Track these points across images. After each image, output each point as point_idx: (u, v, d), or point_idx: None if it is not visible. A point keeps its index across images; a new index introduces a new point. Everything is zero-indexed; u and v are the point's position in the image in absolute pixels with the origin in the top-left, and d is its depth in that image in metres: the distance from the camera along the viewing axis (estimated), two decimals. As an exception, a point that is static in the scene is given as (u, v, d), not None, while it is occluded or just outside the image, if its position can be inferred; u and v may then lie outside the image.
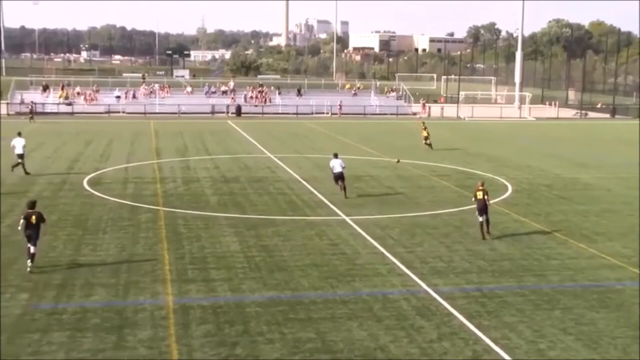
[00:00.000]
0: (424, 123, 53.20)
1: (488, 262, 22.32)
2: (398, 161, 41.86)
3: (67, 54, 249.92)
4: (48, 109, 74.41)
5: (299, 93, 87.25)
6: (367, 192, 33.72)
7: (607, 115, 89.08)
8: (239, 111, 77.99)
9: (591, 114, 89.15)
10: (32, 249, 20.34)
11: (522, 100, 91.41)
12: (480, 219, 25.18)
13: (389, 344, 15.78)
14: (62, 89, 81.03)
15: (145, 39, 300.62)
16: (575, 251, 23.91)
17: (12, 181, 34.51)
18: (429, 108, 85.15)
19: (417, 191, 34.24)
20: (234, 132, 60.37)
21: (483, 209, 25.08)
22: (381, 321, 17.08)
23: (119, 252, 22.58)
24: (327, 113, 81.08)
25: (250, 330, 16.39)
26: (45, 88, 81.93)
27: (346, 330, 16.47)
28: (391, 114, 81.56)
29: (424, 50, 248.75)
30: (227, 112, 78.47)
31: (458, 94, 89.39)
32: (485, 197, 25.03)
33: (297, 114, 79.27)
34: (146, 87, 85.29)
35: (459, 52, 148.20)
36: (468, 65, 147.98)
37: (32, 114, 68.23)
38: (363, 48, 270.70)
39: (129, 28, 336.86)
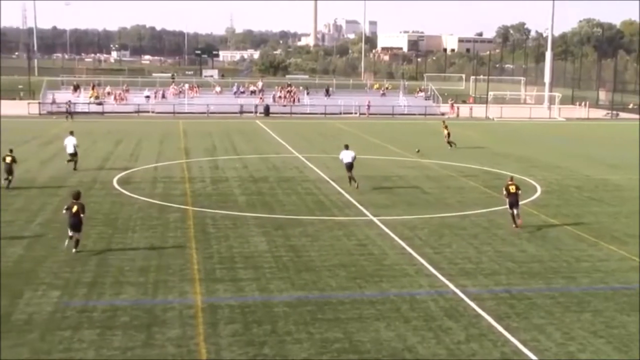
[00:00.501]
0: (444, 122, 53.75)
1: (517, 263, 22.18)
2: (418, 151, 44.14)
3: (98, 54, 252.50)
4: (79, 108, 75.06)
5: (327, 93, 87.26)
6: (395, 192, 33.65)
7: (639, 116, 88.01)
8: (267, 111, 78.22)
9: (622, 115, 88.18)
10: (74, 236, 22.15)
11: (551, 100, 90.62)
12: (511, 211, 26.54)
13: (417, 345, 15.75)
14: (93, 88, 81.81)
15: (174, 39, 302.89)
16: (606, 253, 23.67)
17: (44, 181, 34.93)
18: (458, 108, 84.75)
19: (445, 192, 34.12)
20: (262, 132, 60.54)
21: (515, 202, 26.41)
22: (409, 322, 17.05)
23: (148, 251, 22.76)
24: (355, 113, 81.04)
25: (278, 330, 16.44)
26: (76, 88, 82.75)
27: (374, 331, 16.46)
28: (419, 114, 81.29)
29: (452, 50, 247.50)
30: (256, 112, 78.73)
31: (487, 94, 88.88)
32: (518, 192, 26.50)
33: (325, 114, 79.30)
34: (175, 87, 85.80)
35: (487, 52, 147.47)
36: (497, 65, 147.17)
37: (70, 113, 69.53)
38: (391, 48, 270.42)
39: (158, 28, 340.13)
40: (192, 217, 27.75)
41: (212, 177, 37.11)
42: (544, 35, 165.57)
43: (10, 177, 32.56)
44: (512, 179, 27.41)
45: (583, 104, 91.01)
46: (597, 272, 21.47)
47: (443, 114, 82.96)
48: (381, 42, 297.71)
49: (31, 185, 33.56)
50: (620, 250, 23.93)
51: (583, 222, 28.05)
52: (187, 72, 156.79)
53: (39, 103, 76.63)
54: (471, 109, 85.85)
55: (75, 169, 38.04)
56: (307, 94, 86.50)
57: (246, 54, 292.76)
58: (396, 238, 24.90)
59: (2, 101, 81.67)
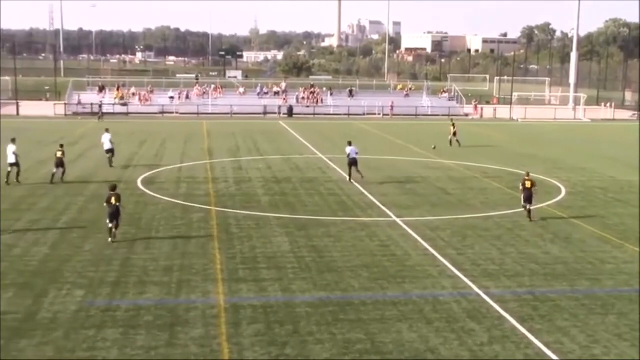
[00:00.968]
0: (452, 119, 54.98)
1: (541, 265, 22.05)
2: (434, 147, 46.03)
3: (123, 55, 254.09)
4: (104, 109, 75.64)
5: (351, 94, 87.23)
6: (418, 193, 33.58)
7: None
8: (290, 112, 78.36)
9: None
10: (111, 225, 23.73)
11: (576, 101, 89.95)
12: (525, 205, 27.94)
13: (439, 347, 15.70)
14: (118, 89, 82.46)
15: (198, 40, 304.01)
16: (631, 255, 23.44)
17: (69, 181, 35.16)
18: (482, 109, 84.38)
19: (468, 193, 33.98)
20: (285, 133, 60.65)
21: (528, 198, 27.84)
22: (431, 323, 17.01)
23: (172, 251, 22.88)
24: (379, 114, 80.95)
25: (301, 330, 16.47)
26: (102, 89, 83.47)
27: (396, 332, 16.44)
28: (443, 115, 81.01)
29: (476, 51, 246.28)
30: (279, 113, 78.89)
31: (511, 95, 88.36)
32: (533, 188, 27.90)
33: (348, 114, 79.30)
34: (199, 88, 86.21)
35: (512, 53, 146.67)
36: (522, 66, 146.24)
37: (102, 114, 70.51)
38: (415, 49, 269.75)
39: (183, 29, 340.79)
40: (215, 217, 27.87)
41: (235, 177, 37.24)
42: (570, 35, 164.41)
43: (61, 170, 34.47)
44: (528, 174, 28.82)
45: (609, 105, 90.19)
46: (622, 275, 21.28)
47: (467, 115, 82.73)
48: (405, 43, 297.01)
49: (57, 185, 33.87)
50: (645, 253, 23.70)
51: (608, 224, 27.81)
52: (211, 73, 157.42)
53: (65, 104, 77.30)
54: (495, 109, 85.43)
55: (111, 165, 39.27)
56: (331, 94, 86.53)
57: (270, 54, 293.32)
58: (419, 239, 24.84)
59: (29, 102, 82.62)
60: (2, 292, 18.56)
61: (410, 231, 25.93)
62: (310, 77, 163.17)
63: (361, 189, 34.11)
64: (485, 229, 26.67)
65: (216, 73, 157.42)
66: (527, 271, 21.40)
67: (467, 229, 26.59)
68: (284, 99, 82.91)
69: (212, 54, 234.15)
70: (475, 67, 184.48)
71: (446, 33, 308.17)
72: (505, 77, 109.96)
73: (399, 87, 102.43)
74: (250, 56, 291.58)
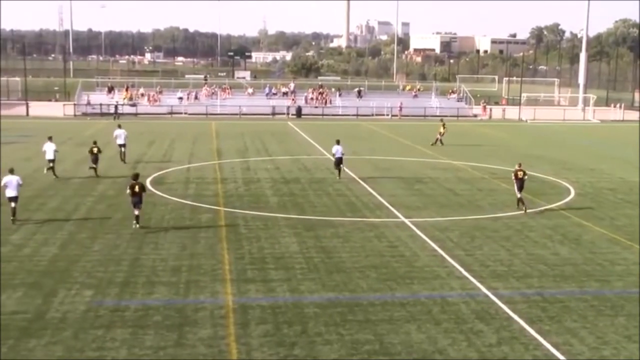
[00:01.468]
0: (442, 120, 55.79)
1: (549, 266, 21.99)
2: (433, 144, 48.43)
3: (132, 56, 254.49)
4: (113, 109, 75.86)
5: (360, 94, 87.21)
6: (426, 194, 33.54)
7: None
8: (299, 112, 78.39)
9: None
10: (137, 212, 25.61)
11: (585, 102, 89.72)
12: (519, 195, 29.73)
13: (448, 347, 15.68)
14: (127, 90, 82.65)
15: (207, 40, 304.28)
16: (640, 257, 23.36)
17: (79, 181, 35.33)
18: (490, 110, 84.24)
19: (477, 194, 33.93)
20: (294, 134, 60.67)
21: (522, 187, 29.75)
22: (440, 324, 16.99)
23: (180, 251, 22.92)
24: (387, 114, 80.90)
25: (309, 330, 16.47)
26: (111, 89, 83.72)
27: (404, 333, 16.43)
28: (452, 116, 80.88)
29: (485, 51, 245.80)
30: (288, 114, 78.93)
31: (520, 96, 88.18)
32: (525, 177, 29.74)
33: (357, 115, 79.30)
34: (208, 89, 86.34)
35: (521, 54, 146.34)
36: (530, 66, 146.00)
37: (118, 114, 70.87)
38: (424, 49, 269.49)
39: (191, 30, 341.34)
40: (223, 217, 27.90)
41: (243, 178, 37.27)
42: (579, 36, 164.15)
43: (95, 166, 36.63)
44: (520, 165, 30.37)
45: (618, 105, 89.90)
46: (631, 276, 21.20)
47: (475, 116, 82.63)
48: (414, 44, 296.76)
49: (66, 185, 33.97)
50: (655, 254, 23.60)
51: (617, 225, 27.73)
52: (219, 74, 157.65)
53: (74, 104, 77.51)
54: (504, 110, 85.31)
55: (123, 160, 41.21)
56: (339, 95, 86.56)
57: (278, 55, 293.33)
58: (427, 240, 24.82)
59: (38, 103, 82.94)
60: (12, 292, 18.64)
61: (418, 232, 25.91)
62: (319, 77, 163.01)
63: (369, 189, 34.09)
64: (493, 229, 26.62)
65: (225, 73, 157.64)
66: (535, 272, 21.35)
67: (476, 229, 26.54)
68: (293, 100, 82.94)
69: (221, 55, 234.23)
70: (484, 67, 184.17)
71: (455, 33, 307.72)
72: (514, 78, 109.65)
73: (408, 87, 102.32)
74: (258, 57, 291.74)
